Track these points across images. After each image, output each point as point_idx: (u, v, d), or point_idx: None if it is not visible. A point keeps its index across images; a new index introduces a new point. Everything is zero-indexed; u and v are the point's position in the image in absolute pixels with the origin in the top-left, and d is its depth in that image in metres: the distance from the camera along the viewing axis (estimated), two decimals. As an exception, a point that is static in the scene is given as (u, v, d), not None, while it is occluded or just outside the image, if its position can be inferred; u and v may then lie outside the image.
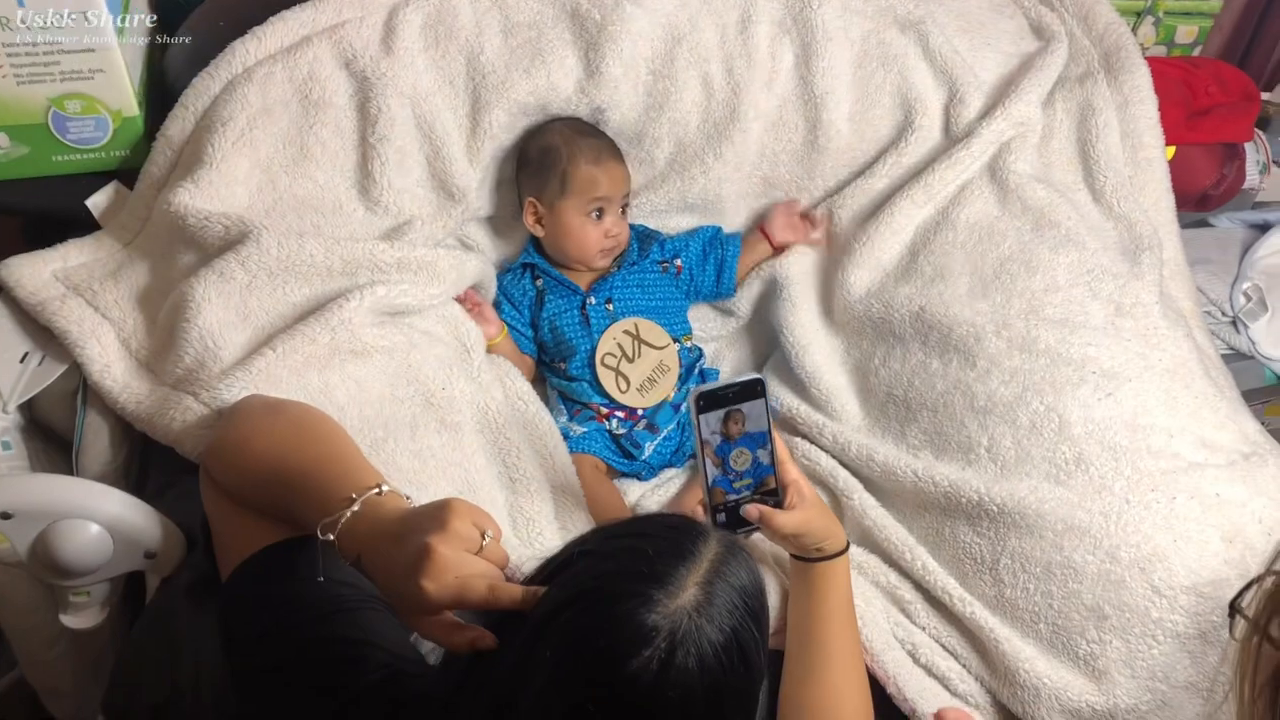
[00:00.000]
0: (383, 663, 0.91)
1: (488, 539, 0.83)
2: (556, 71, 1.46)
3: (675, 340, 1.53)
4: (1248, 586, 0.72)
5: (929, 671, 1.26)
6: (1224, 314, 1.60)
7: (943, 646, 1.28)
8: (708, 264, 1.60)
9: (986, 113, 1.58)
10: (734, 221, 1.65)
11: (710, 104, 1.56)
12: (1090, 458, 1.28)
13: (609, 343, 1.50)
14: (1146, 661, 1.20)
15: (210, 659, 0.99)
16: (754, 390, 1.08)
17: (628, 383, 1.49)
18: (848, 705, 1.13)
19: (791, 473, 1.13)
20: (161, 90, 1.42)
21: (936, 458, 1.37)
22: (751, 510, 1.11)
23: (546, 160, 1.47)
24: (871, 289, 1.52)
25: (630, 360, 1.50)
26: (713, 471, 1.09)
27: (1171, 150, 1.60)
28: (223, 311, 1.20)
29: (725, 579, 0.78)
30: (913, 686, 1.22)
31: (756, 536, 1.16)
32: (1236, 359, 1.67)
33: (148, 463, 1.29)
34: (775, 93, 1.58)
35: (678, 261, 1.58)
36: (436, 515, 0.82)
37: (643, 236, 1.58)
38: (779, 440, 1.12)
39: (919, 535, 1.35)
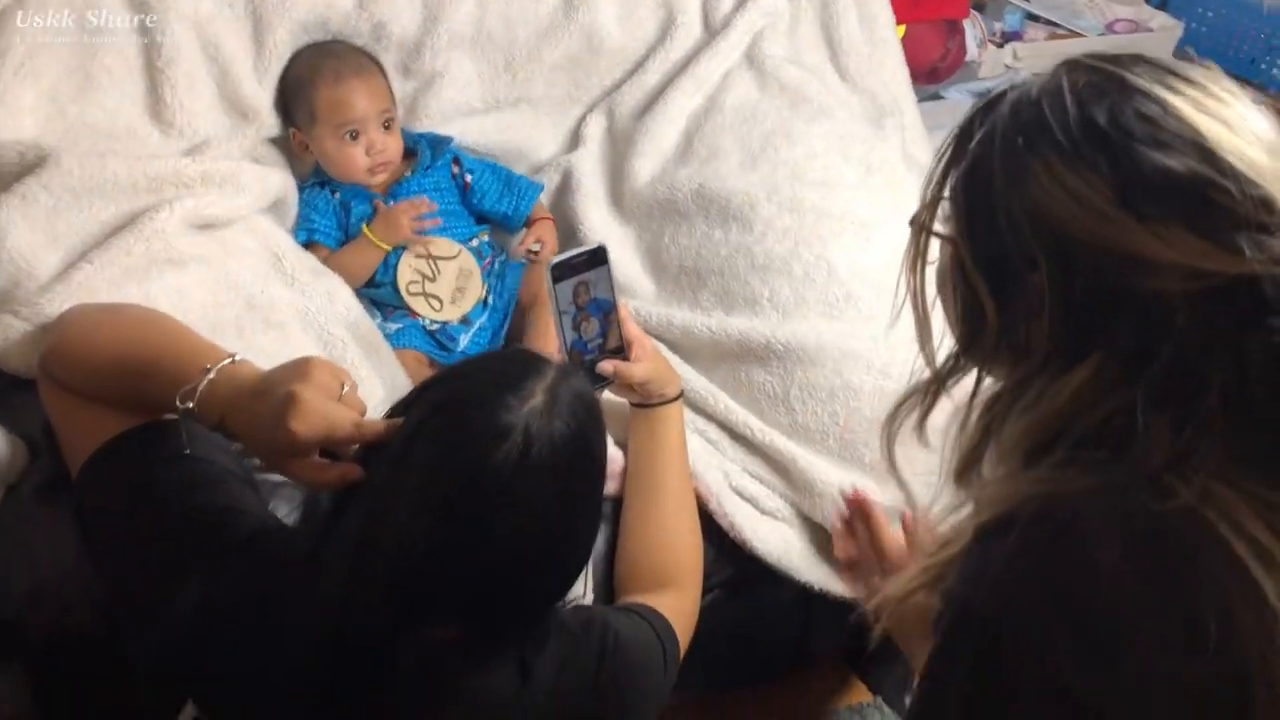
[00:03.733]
0: (247, 526, 0.97)
1: (346, 389, 0.91)
2: (334, -13, 1.51)
3: (466, 244, 1.60)
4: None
5: (740, 495, 1.41)
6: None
7: (749, 474, 1.44)
8: (502, 201, 1.67)
9: (739, 6, 1.74)
10: (542, 131, 1.74)
11: (484, 15, 1.65)
12: (857, 294, 1.46)
13: (407, 271, 1.55)
14: (922, 460, 1.39)
15: (67, 551, 1.03)
16: (599, 258, 1.18)
17: (440, 301, 1.56)
18: (684, 528, 1.27)
19: (633, 329, 1.25)
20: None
21: (727, 314, 1.52)
22: (606, 366, 1.22)
23: (297, 90, 1.52)
24: (655, 175, 1.66)
25: (433, 280, 1.57)
26: (570, 336, 1.20)
27: (902, 29, 1.79)
28: (30, 234, 1.21)
29: (568, 387, 0.88)
30: (730, 504, 1.37)
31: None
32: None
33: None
34: (546, 3, 1.69)
35: (468, 177, 1.66)
36: (298, 367, 0.89)
37: (435, 143, 1.65)
38: (622, 302, 1.24)
39: (719, 383, 1.49)
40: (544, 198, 1.72)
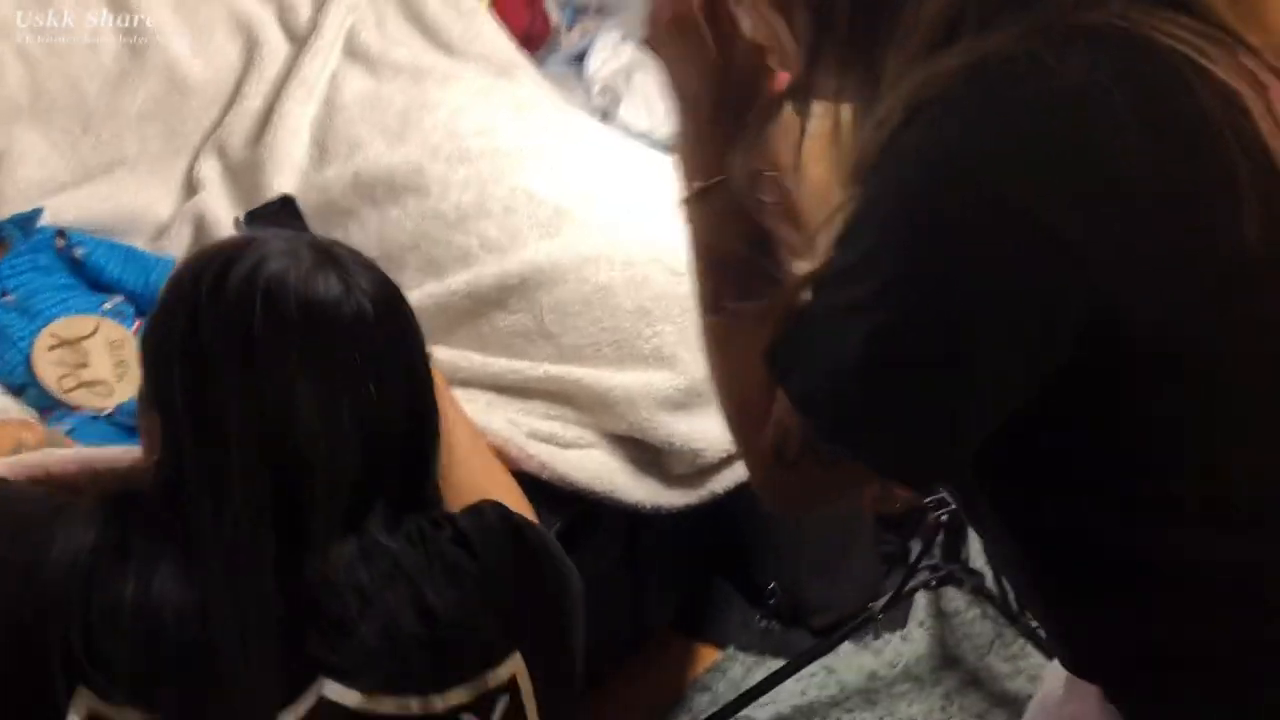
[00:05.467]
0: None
1: None
2: None
3: (100, 313, 1.35)
4: None
5: (537, 438, 1.26)
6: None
7: (536, 416, 1.29)
8: (127, 272, 1.43)
9: (319, 7, 1.65)
10: (150, 190, 1.51)
11: (38, 77, 1.44)
12: (565, 206, 1.39)
13: (49, 369, 1.31)
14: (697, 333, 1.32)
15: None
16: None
17: (106, 384, 1.32)
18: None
19: None
20: None
21: (440, 279, 1.38)
22: None
23: None
24: (299, 187, 1.50)
25: (85, 365, 1.32)
26: None
27: (486, 1, 1.78)
28: None
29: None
30: (531, 447, 1.21)
31: None
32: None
33: None
34: (106, 50, 1.50)
35: (77, 250, 1.40)
36: None
37: (24, 221, 1.39)
38: None
39: (465, 345, 1.35)
40: (181, 254, 1.50)
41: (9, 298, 1.31)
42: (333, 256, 0.79)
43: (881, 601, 1.57)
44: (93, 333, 1.33)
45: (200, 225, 1.49)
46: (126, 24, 1.50)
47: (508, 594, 0.80)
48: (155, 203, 1.53)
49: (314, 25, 1.62)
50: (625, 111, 1.81)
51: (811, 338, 0.64)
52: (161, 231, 1.51)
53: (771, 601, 1.70)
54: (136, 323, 1.37)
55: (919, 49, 0.62)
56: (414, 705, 0.76)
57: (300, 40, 1.62)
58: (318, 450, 0.75)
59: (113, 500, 0.78)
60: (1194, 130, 0.57)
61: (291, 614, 0.74)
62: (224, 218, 1.48)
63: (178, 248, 1.49)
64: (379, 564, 0.76)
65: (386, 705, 0.76)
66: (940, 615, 1.70)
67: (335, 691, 0.75)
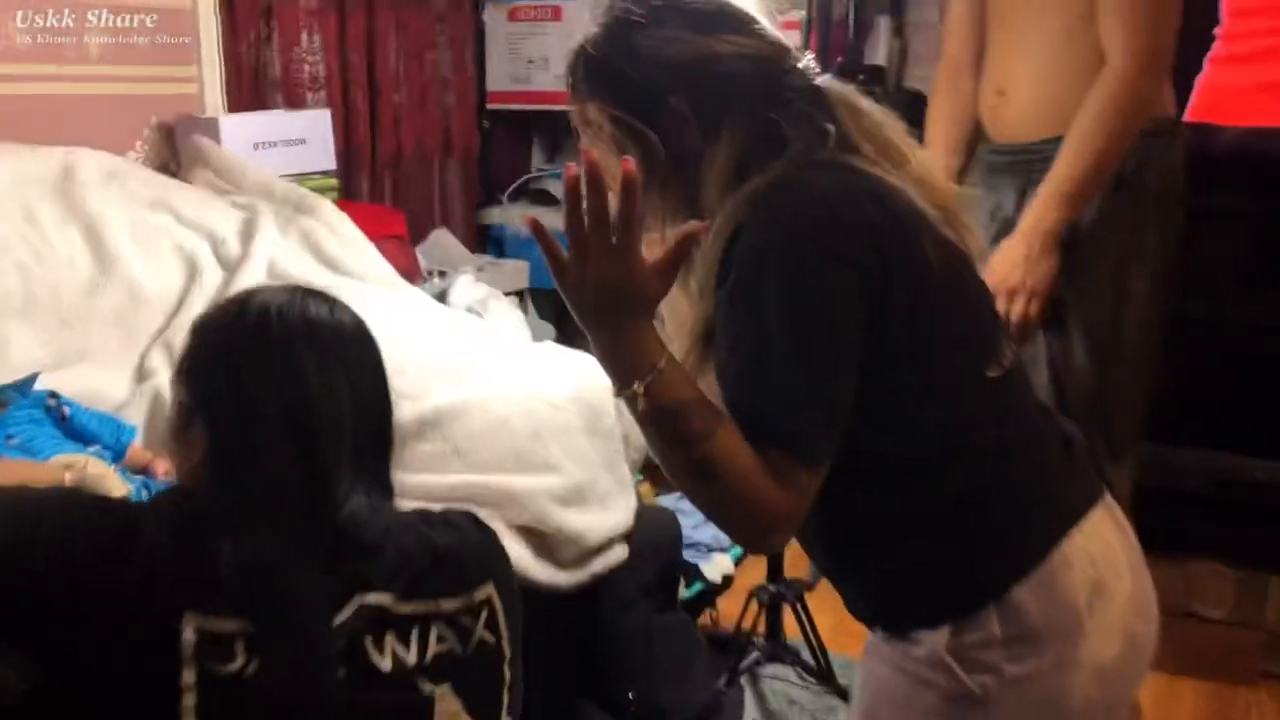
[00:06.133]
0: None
1: None
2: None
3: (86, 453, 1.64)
4: None
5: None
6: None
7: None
8: (104, 427, 1.72)
9: (246, 241, 2.08)
10: (108, 378, 1.83)
11: (30, 285, 1.78)
12: (465, 364, 1.82)
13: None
14: (578, 447, 1.75)
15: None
16: None
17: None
18: None
19: None
20: None
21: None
22: None
23: None
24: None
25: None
26: None
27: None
28: None
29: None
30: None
31: None
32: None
33: None
34: (81, 267, 1.87)
35: (65, 409, 1.71)
36: None
37: (22, 385, 1.67)
38: None
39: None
40: (143, 424, 1.81)
41: (14, 440, 1.59)
42: (318, 292, 1.12)
43: (722, 680, 1.94)
44: (84, 466, 1.61)
45: (156, 400, 1.82)
46: (97, 248, 1.88)
47: (479, 544, 1.16)
48: (114, 389, 1.84)
49: (242, 255, 2.04)
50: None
51: (750, 399, 0.94)
52: (118, 408, 1.83)
53: (632, 710, 2.03)
54: (114, 467, 1.66)
55: (723, 185, 1.04)
56: (426, 607, 1.07)
57: (231, 266, 2.03)
58: (325, 414, 1.04)
59: (178, 494, 1.08)
60: (888, 201, 1.03)
61: (333, 546, 1.02)
62: (178, 393, 1.82)
63: (137, 417, 1.80)
64: (386, 515, 1.09)
65: (406, 608, 1.05)
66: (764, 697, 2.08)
67: (372, 597, 1.03)
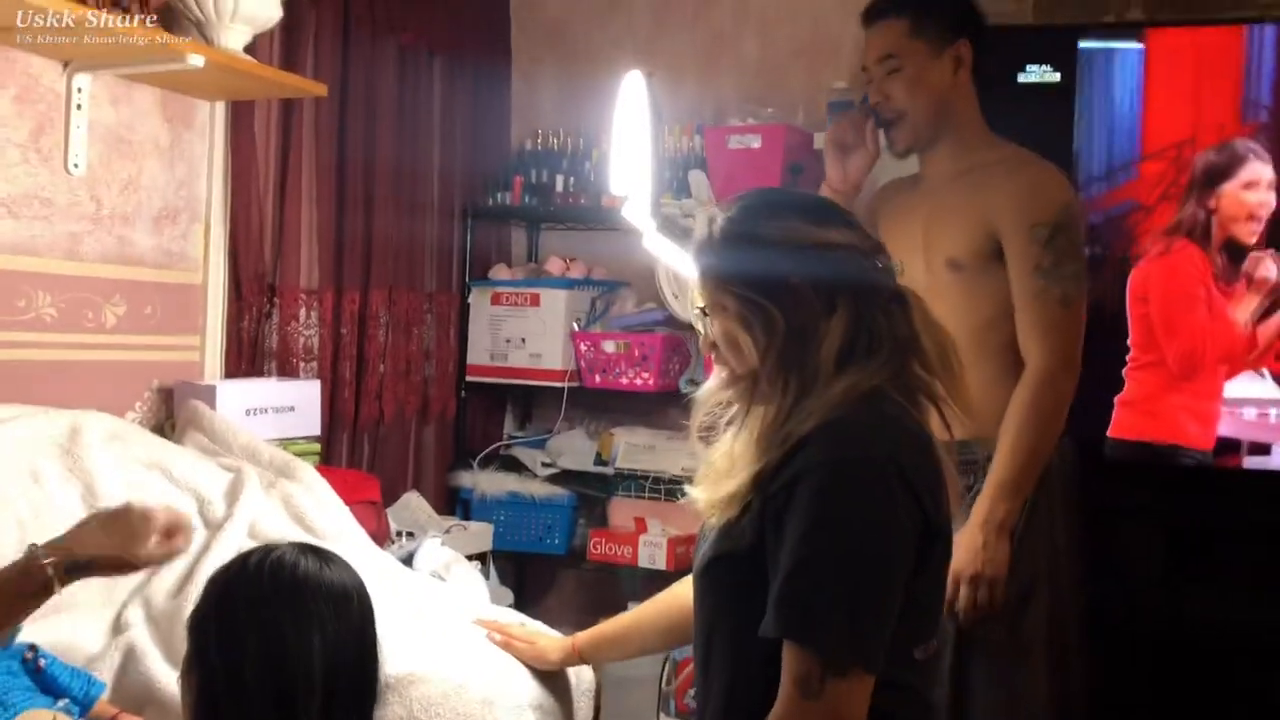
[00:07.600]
0: None
1: None
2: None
3: (55, 708, 1.71)
4: None
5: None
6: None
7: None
8: (75, 680, 1.80)
9: (230, 504, 2.22)
10: (83, 632, 1.92)
11: (25, 535, 1.90)
12: (426, 628, 1.93)
13: None
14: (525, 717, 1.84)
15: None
16: None
17: None
18: None
19: None
20: None
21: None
22: None
23: None
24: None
25: None
26: None
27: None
28: None
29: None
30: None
31: None
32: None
33: None
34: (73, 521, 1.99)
35: (41, 661, 1.79)
36: None
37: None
38: None
39: None
40: (112, 679, 1.89)
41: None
42: (314, 549, 1.31)
43: None
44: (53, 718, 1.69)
45: (129, 653, 1.91)
46: (92, 505, 2.01)
47: None
48: (89, 639, 1.94)
49: (226, 515, 2.18)
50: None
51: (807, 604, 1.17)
52: (90, 661, 1.91)
53: None
54: (80, 720, 1.74)
55: (836, 359, 1.24)
56: None
57: (216, 526, 2.17)
58: (299, 672, 1.19)
59: None
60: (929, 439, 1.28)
61: None
62: (150, 646, 1.91)
63: (108, 672, 1.88)
64: None
65: None
66: None
67: None
